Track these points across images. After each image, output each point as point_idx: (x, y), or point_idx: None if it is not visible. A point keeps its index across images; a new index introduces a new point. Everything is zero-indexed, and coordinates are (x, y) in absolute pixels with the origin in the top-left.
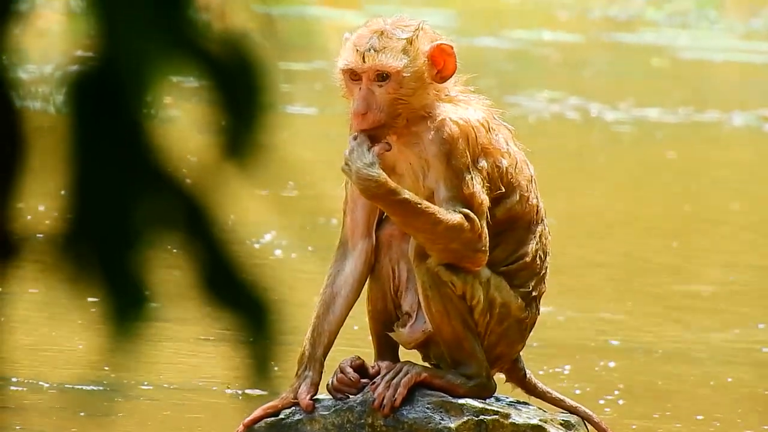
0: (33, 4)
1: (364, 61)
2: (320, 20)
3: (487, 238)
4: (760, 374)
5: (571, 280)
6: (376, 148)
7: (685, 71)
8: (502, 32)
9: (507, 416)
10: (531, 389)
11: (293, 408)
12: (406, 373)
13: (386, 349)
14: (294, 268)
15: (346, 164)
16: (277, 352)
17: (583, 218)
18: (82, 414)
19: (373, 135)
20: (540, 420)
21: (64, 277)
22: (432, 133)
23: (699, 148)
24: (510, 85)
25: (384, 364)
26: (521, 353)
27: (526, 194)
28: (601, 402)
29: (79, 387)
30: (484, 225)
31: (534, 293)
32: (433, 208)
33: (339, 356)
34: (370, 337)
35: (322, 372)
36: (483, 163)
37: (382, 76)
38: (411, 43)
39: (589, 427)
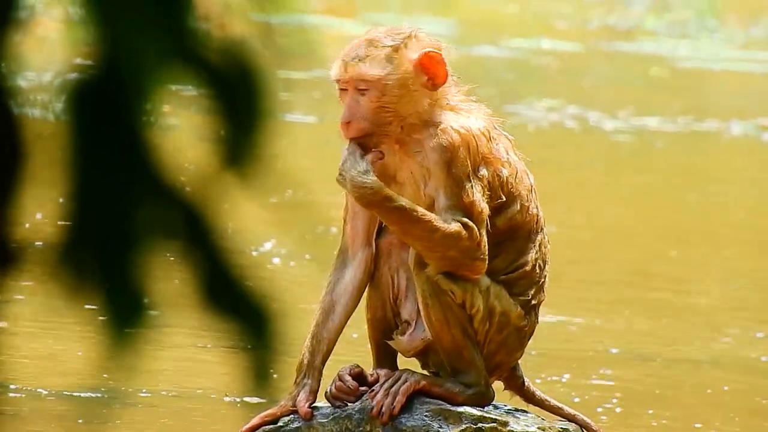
0: (32, 11)
1: (346, 71)
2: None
3: (487, 247)
4: (759, 383)
5: (569, 288)
6: (369, 156)
7: (684, 80)
8: (501, 41)
9: (505, 424)
10: (529, 397)
11: (292, 416)
12: (405, 381)
13: (385, 357)
14: (292, 277)
15: (341, 174)
16: (275, 359)
17: (581, 227)
18: (80, 421)
19: (365, 144)
20: (538, 428)
21: (63, 284)
22: (433, 141)
23: (698, 157)
24: (509, 94)
25: (383, 372)
26: (520, 361)
27: (526, 204)
28: (599, 410)
29: (78, 394)
30: (484, 233)
31: (533, 302)
32: (430, 215)
33: (338, 364)
34: (369, 345)
35: (320, 380)
36: (484, 172)
37: (365, 85)
38: (396, 51)
39: None
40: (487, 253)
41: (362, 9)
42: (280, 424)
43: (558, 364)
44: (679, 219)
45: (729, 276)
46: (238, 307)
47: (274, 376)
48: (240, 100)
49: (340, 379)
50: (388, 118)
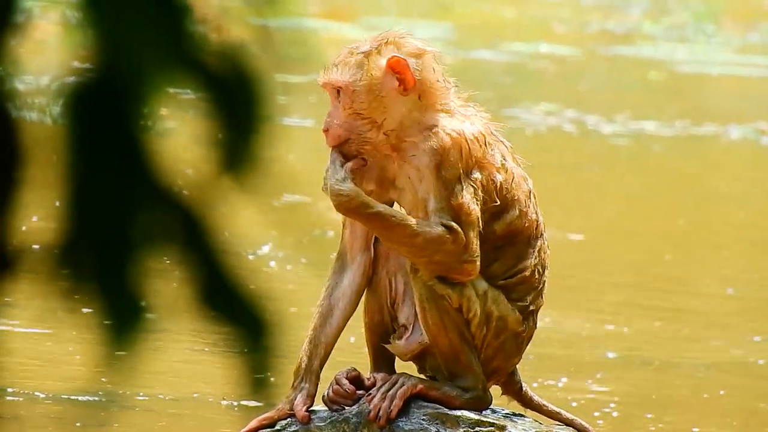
0: (30, 15)
1: (323, 77)
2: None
3: (477, 249)
4: (756, 387)
5: (567, 292)
6: (350, 164)
7: (682, 84)
8: (499, 45)
9: (503, 428)
10: (527, 402)
11: (289, 419)
12: (402, 385)
13: (382, 360)
14: (289, 280)
15: (324, 182)
16: (272, 363)
17: (578, 230)
18: (78, 425)
19: (348, 151)
20: None
21: (60, 287)
22: (425, 144)
23: (696, 161)
24: (507, 97)
25: (380, 376)
26: (517, 366)
27: (524, 209)
28: (597, 414)
29: (75, 398)
30: (472, 236)
31: (531, 307)
32: (411, 220)
33: (335, 368)
34: (367, 349)
35: (318, 384)
36: (477, 175)
37: (338, 92)
38: (368, 57)
39: None
40: (477, 255)
41: (361, 13)
42: (277, 427)
43: (555, 368)
44: (677, 223)
45: (726, 279)
46: (236, 310)
47: (272, 379)
48: (238, 104)
49: (338, 383)
50: (364, 124)
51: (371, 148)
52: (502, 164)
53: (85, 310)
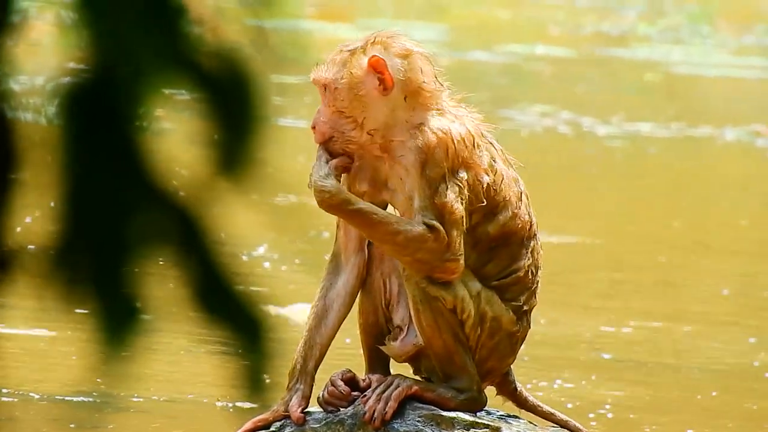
0: (25, 15)
1: (312, 74)
2: (313, 33)
3: (460, 248)
4: (752, 388)
5: (561, 293)
6: (335, 161)
7: (677, 86)
8: (494, 46)
9: (498, 430)
10: (522, 403)
11: (284, 421)
12: (397, 386)
13: (377, 362)
14: (284, 281)
15: (310, 179)
16: (268, 364)
17: (573, 232)
18: (72, 426)
19: (335, 149)
20: None
21: (56, 288)
22: (411, 142)
23: (691, 162)
24: (503, 99)
25: (375, 377)
26: (512, 366)
27: (516, 210)
28: (591, 416)
29: (70, 399)
30: (455, 234)
31: (525, 307)
32: (393, 218)
33: (330, 369)
34: (362, 351)
35: (313, 385)
36: (463, 175)
37: (325, 89)
38: (353, 56)
39: None
40: (460, 253)
41: (357, 14)
42: (272, 429)
43: (550, 369)
44: (672, 224)
45: (721, 281)
46: (231, 311)
47: (267, 381)
48: (233, 105)
49: (333, 384)
50: (347, 122)
51: (357, 147)
52: (491, 165)
53: (80, 311)
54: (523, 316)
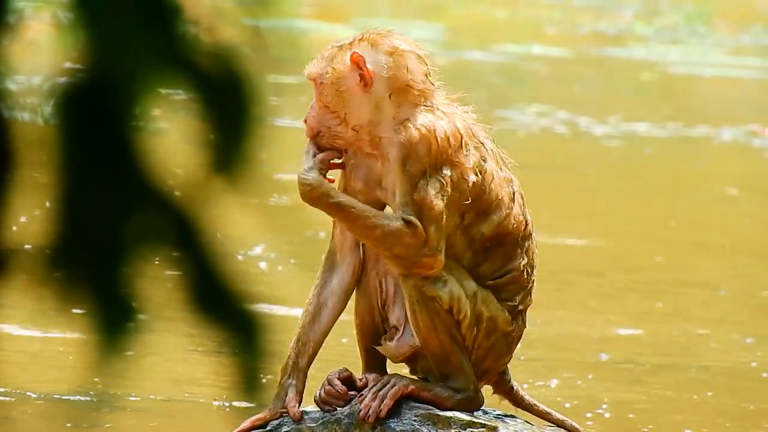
0: (21, 15)
1: (305, 69)
2: (309, 33)
3: (438, 244)
4: (748, 388)
5: (559, 294)
6: (321, 155)
7: (674, 86)
8: (491, 46)
9: (494, 429)
10: (518, 402)
11: (281, 419)
12: (393, 385)
13: (374, 362)
14: (280, 281)
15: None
16: (264, 364)
17: (570, 232)
18: (69, 425)
19: (320, 143)
20: None
21: (52, 288)
22: (395, 137)
23: (688, 162)
24: (499, 98)
25: (372, 377)
26: (509, 366)
27: (509, 211)
28: (588, 415)
29: (67, 398)
30: (433, 230)
31: (521, 307)
32: (371, 213)
33: (327, 369)
34: (358, 350)
35: (305, 381)
36: (447, 172)
37: (315, 84)
38: (340, 51)
39: None
40: (438, 249)
41: (353, 14)
42: (269, 427)
43: (547, 369)
44: (668, 224)
45: (718, 281)
46: (227, 311)
47: (264, 380)
48: (229, 105)
49: (329, 384)
50: (333, 118)
51: (344, 143)
52: (479, 165)
53: (76, 310)
54: (518, 315)
